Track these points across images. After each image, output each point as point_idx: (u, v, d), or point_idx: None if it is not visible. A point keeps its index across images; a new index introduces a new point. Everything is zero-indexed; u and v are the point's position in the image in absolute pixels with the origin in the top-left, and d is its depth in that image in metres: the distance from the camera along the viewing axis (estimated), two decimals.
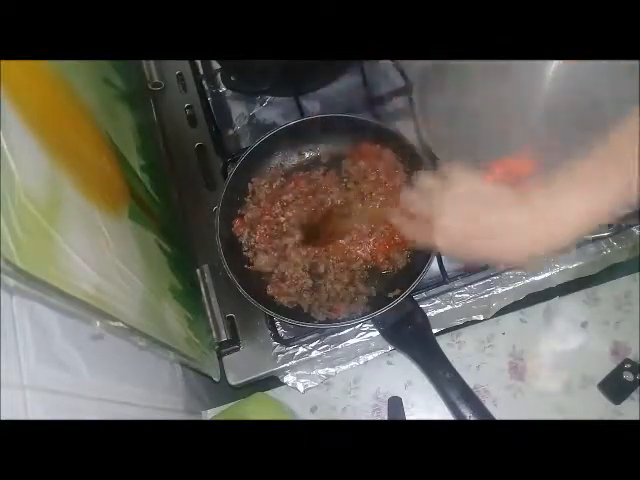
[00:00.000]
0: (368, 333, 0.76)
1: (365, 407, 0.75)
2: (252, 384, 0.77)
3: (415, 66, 0.80)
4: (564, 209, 0.47)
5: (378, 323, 0.74)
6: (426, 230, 0.53)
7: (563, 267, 0.75)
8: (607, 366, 0.71)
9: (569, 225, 0.47)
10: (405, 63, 0.84)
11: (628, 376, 0.70)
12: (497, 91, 0.74)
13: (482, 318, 0.75)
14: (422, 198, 0.56)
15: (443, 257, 0.76)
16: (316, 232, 0.77)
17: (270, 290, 0.75)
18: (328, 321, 0.73)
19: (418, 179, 0.57)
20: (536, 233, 0.48)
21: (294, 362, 0.76)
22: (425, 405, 0.73)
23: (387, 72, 0.87)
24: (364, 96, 0.86)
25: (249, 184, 0.80)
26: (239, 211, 0.79)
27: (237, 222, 0.78)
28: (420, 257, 0.72)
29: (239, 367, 0.77)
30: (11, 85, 0.39)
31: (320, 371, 0.75)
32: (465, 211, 0.51)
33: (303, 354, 0.76)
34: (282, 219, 0.78)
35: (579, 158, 0.47)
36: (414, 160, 0.75)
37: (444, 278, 0.75)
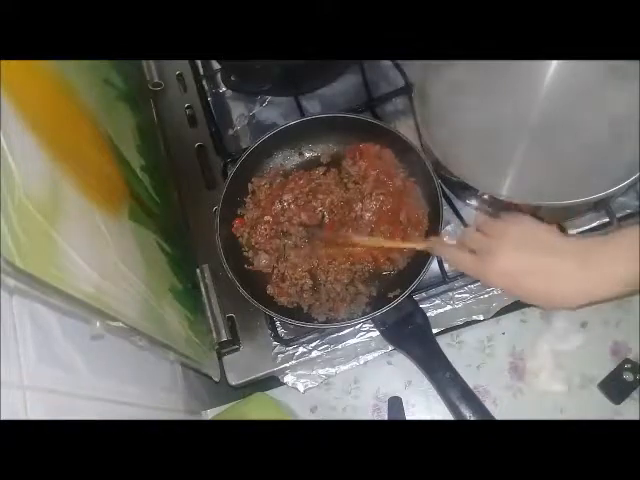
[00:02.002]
0: (368, 333, 0.76)
1: (365, 407, 0.75)
2: (252, 384, 0.77)
3: (415, 66, 0.80)
4: (614, 267, 0.50)
5: (378, 323, 0.74)
6: (481, 265, 0.57)
7: None
8: (607, 366, 0.71)
9: (615, 282, 0.50)
10: (405, 63, 0.84)
11: (628, 376, 0.70)
12: (497, 91, 0.74)
13: (482, 318, 0.75)
14: (481, 237, 0.59)
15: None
16: (317, 233, 0.77)
17: (270, 290, 0.75)
18: (328, 321, 0.73)
19: (477, 219, 0.63)
20: (586, 284, 0.51)
21: (294, 362, 0.76)
22: (425, 405, 0.73)
23: (387, 72, 0.87)
24: (364, 96, 0.86)
25: (249, 184, 0.80)
26: (239, 211, 0.80)
27: (237, 222, 0.78)
28: (420, 257, 0.72)
29: (239, 367, 0.77)
30: (11, 85, 0.39)
31: (320, 371, 0.75)
32: (523, 252, 0.55)
33: (303, 354, 0.76)
34: (282, 219, 0.78)
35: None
36: (414, 160, 0.75)
37: (444, 278, 0.75)
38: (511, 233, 0.57)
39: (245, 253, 0.78)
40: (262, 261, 0.76)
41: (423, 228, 0.75)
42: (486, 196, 0.75)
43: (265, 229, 0.77)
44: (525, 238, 0.56)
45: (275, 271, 0.76)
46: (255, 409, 0.68)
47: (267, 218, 0.78)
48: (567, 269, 0.52)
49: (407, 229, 0.75)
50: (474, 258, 0.58)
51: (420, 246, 0.70)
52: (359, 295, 0.74)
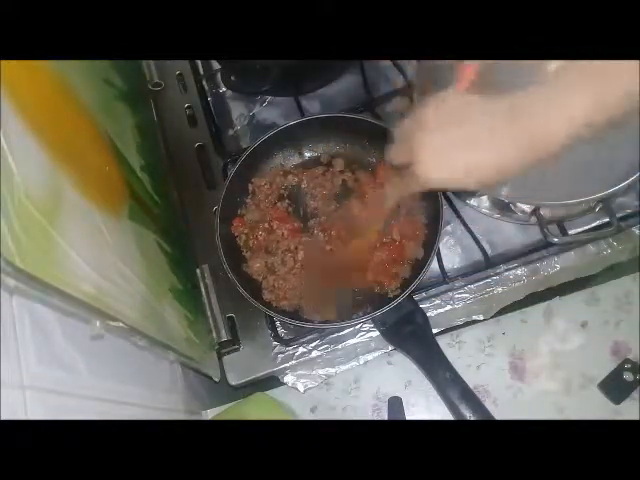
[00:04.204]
0: (368, 333, 0.76)
1: (365, 407, 0.75)
2: (252, 384, 0.77)
3: (415, 66, 0.80)
4: (544, 115, 0.46)
5: (378, 323, 0.74)
6: (409, 153, 0.52)
7: (563, 267, 0.75)
8: (607, 366, 0.71)
9: (548, 132, 0.46)
10: (405, 63, 0.84)
11: (628, 376, 0.70)
12: (497, 90, 0.74)
13: (482, 318, 0.75)
14: (401, 145, 0.54)
15: (443, 257, 0.76)
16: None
17: (266, 296, 0.75)
18: (328, 321, 0.73)
19: (395, 129, 0.56)
20: (515, 142, 0.47)
21: (294, 362, 0.76)
22: (425, 405, 0.73)
23: (387, 72, 0.87)
24: (364, 96, 0.86)
25: (249, 184, 0.80)
26: (239, 211, 0.80)
27: (236, 221, 0.78)
28: (419, 260, 0.73)
29: (239, 367, 0.77)
30: (11, 85, 0.39)
31: (320, 371, 0.75)
32: (445, 125, 0.50)
33: (303, 354, 0.76)
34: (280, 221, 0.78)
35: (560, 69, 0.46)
36: None
37: (444, 278, 0.75)
38: (424, 120, 0.51)
39: (243, 253, 0.78)
40: (256, 265, 0.76)
41: (420, 239, 0.75)
42: (486, 196, 0.76)
43: (261, 234, 0.77)
44: (440, 117, 0.50)
45: (265, 281, 0.76)
46: (255, 409, 0.68)
47: (266, 219, 0.78)
48: (501, 129, 0.47)
49: (403, 242, 0.75)
50: (411, 169, 0.52)
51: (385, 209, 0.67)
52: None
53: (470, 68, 0.53)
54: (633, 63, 0.43)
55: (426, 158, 0.50)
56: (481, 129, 0.48)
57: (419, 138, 0.51)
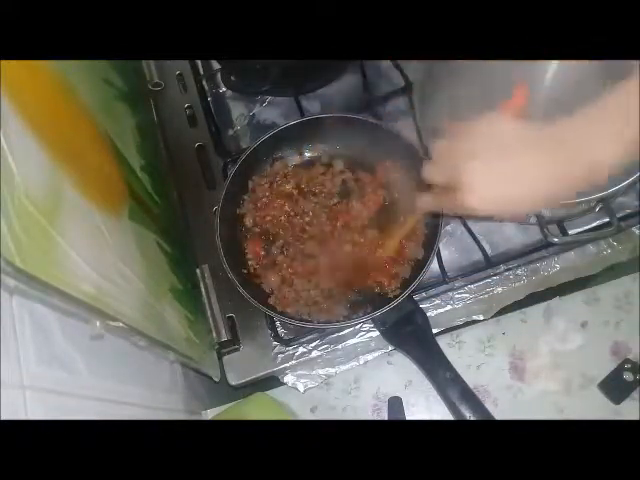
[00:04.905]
0: (368, 333, 0.76)
1: (365, 407, 0.75)
2: (252, 384, 0.77)
3: (415, 66, 0.80)
4: (592, 144, 0.44)
5: (378, 323, 0.74)
6: (453, 194, 0.49)
7: (563, 267, 0.75)
8: (607, 366, 0.71)
9: (597, 161, 0.44)
10: (405, 63, 0.84)
11: (628, 376, 0.70)
12: (497, 90, 0.74)
13: (482, 318, 0.75)
14: (441, 166, 0.52)
15: (443, 257, 0.76)
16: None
17: (271, 301, 0.75)
18: (328, 321, 0.73)
19: (431, 149, 0.53)
20: (563, 170, 0.45)
21: (294, 362, 0.76)
22: (425, 405, 0.73)
23: (387, 72, 0.87)
24: (364, 96, 0.86)
25: (249, 181, 0.80)
26: (238, 210, 0.79)
27: (250, 245, 0.78)
28: (419, 260, 0.73)
29: (239, 367, 0.77)
30: (11, 85, 0.39)
31: (320, 371, 0.75)
32: (492, 154, 0.47)
33: (303, 354, 0.76)
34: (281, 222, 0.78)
35: (607, 94, 0.44)
36: (414, 160, 0.75)
37: (444, 278, 0.75)
38: (468, 144, 0.49)
39: (254, 269, 0.78)
40: (272, 279, 0.76)
41: (420, 239, 0.75)
42: None
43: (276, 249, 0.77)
44: (486, 142, 0.48)
45: (277, 292, 0.76)
46: (255, 409, 0.68)
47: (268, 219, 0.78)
48: (547, 159, 0.45)
49: (403, 242, 0.75)
50: (450, 192, 0.50)
51: (410, 223, 0.67)
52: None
53: (520, 92, 0.51)
54: None
55: (471, 187, 0.48)
56: (528, 160, 0.46)
57: (463, 165, 0.48)
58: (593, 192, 0.66)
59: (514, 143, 0.47)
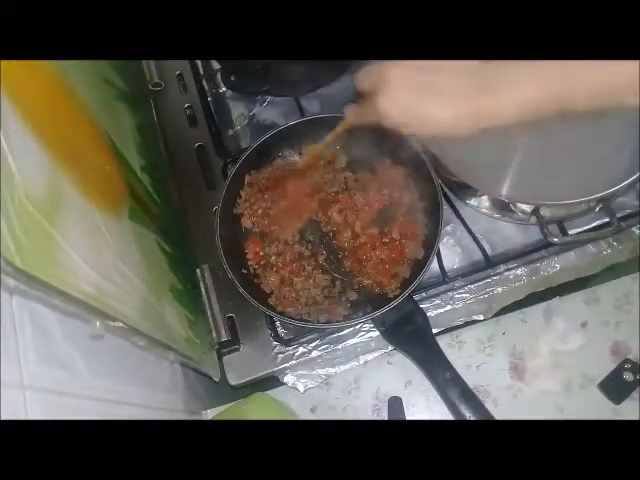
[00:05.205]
0: (368, 333, 0.76)
1: (365, 407, 0.75)
2: (252, 384, 0.77)
3: None
4: (504, 85, 0.47)
5: (378, 323, 0.74)
6: (373, 99, 0.51)
7: (563, 267, 0.75)
8: (607, 366, 0.71)
9: (508, 105, 0.47)
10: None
11: (628, 376, 0.70)
12: None
13: (482, 318, 0.75)
14: (370, 72, 0.54)
15: (443, 257, 0.76)
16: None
17: (271, 301, 0.75)
18: (328, 321, 0.73)
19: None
20: (478, 105, 0.47)
21: (294, 362, 0.76)
22: (425, 405, 0.73)
23: None
24: None
25: (246, 176, 0.80)
26: (235, 210, 0.79)
27: (250, 245, 0.78)
28: (419, 260, 0.72)
29: (239, 367, 0.77)
30: (11, 85, 0.39)
31: (320, 371, 0.75)
32: (413, 71, 0.50)
33: (303, 354, 0.76)
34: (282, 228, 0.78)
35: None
36: (414, 160, 0.75)
37: (444, 278, 0.75)
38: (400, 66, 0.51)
39: (253, 269, 0.78)
40: (270, 279, 0.76)
41: (420, 239, 0.75)
42: (486, 196, 0.76)
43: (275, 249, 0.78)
44: (419, 63, 0.50)
45: (277, 292, 0.76)
46: (255, 409, 0.68)
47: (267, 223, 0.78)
48: (462, 85, 0.48)
49: (403, 242, 0.75)
50: (372, 98, 0.52)
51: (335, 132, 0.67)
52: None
53: None
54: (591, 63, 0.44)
55: (387, 92, 0.51)
56: (444, 81, 0.49)
57: (389, 71, 0.51)
58: (593, 192, 0.66)
59: (437, 64, 0.50)
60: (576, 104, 0.46)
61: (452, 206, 0.78)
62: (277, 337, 0.77)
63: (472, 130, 0.49)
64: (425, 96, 0.49)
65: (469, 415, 0.67)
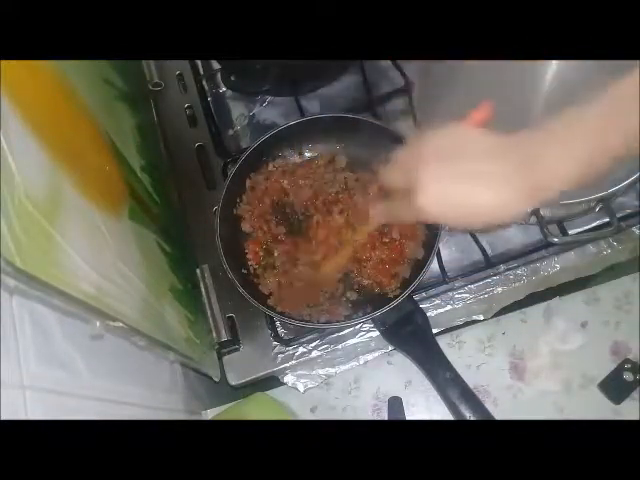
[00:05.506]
0: (368, 333, 0.76)
1: (365, 407, 0.75)
2: (252, 384, 0.77)
3: (415, 66, 0.80)
4: (551, 158, 0.44)
5: (378, 323, 0.74)
6: (411, 199, 0.49)
7: (563, 267, 0.75)
8: (607, 366, 0.71)
9: (554, 176, 0.45)
10: (405, 63, 0.84)
11: (628, 376, 0.70)
12: (497, 90, 0.74)
13: (482, 318, 0.75)
14: (399, 170, 0.52)
15: (443, 257, 0.76)
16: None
17: (271, 302, 0.75)
18: (328, 321, 0.73)
19: (394, 153, 0.53)
20: (520, 183, 0.45)
21: (294, 362, 0.76)
22: (425, 405, 0.73)
23: (387, 72, 0.87)
24: (364, 96, 0.86)
25: (247, 180, 0.80)
26: (235, 211, 0.80)
27: (250, 245, 0.78)
28: (419, 260, 0.72)
29: (239, 367, 0.77)
30: (11, 85, 0.39)
31: (320, 371, 0.75)
32: (449, 159, 0.47)
33: (303, 354, 0.76)
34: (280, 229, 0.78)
35: (573, 112, 0.45)
36: None
37: (444, 278, 0.75)
38: (425, 149, 0.49)
39: (253, 270, 0.77)
40: (268, 280, 0.76)
41: (420, 239, 0.75)
42: None
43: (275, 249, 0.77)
44: (443, 148, 0.48)
45: (276, 293, 0.76)
46: (255, 409, 0.68)
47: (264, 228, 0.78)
48: (505, 172, 0.45)
49: (403, 242, 0.75)
50: (406, 197, 0.49)
51: (372, 226, 0.66)
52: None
53: (485, 106, 0.51)
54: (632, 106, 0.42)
55: (426, 191, 0.48)
56: (485, 168, 0.46)
57: (421, 168, 0.48)
58: (593, 192, 0.66)
59: (472, 150, 0.47)
60: (628, 148, 0.44)
61: None
62: (277, 337, 0.77)
63: (522, 208, 0.46)
64: (464, 189, 0.47)
65: (469, 415, 0.67)
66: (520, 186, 0.45)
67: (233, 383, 0.76)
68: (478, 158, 0.47)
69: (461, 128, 0.49)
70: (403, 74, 0.84)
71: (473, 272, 0.76)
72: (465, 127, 0.49)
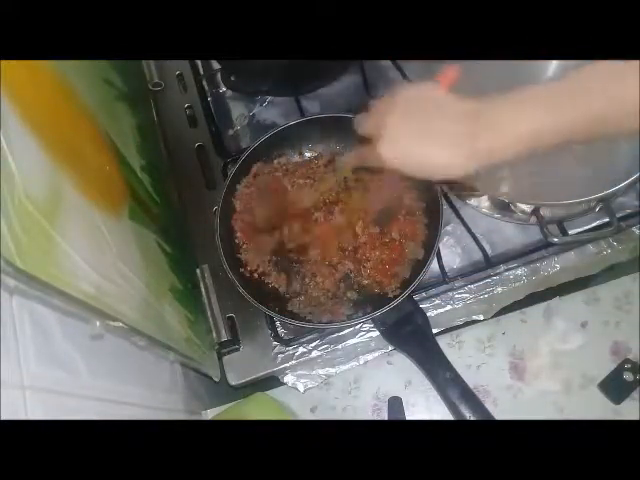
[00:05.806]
0: (368, 333, 0.76)
1: (365, 407, 0.75)
2: (252, 384, 0.77)
3: (415, 66, 0.80)
4: (504, 125, 0.48)
5: (378, 323, 0.74)
6: (374, 145, 0.53)
7: (563, 267, 0.75)
8: (607, 366, 0.71)
9: (504, 141, 0.48)
10: (405, 63, 0.84)
11: (628, 376, 0.70)
12: (497, 91, 0.74)
13: (482, 318, 0.75)
14: (369, 118, 0.56)
15: (443, 257, 0.76)
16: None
17: (271, 301, 0.75)
18: (330, 321, 0.73)
19: (370, 103, 0.57)
20: (476, 145, 0.49)
21: (294, 362, 0.76)
22: (425, 405, 0.73)
23: (387, 72, 0.87)
24: (364, 96, 0.86)
25: (253, 166, 0.80)
26: (236, 209, 0.80)
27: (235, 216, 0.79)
28: (419, 260, 0.72)
29: (239, 367, 0.77)
30: (11, 85, 0.39)
31: (320, 371, 0.75)
32: (413, 113, 0.52)
33: (303, 354, 0.76)
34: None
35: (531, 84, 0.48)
36: None
37: (444, 278, 0.75)
38: (397, 103, 0.53)
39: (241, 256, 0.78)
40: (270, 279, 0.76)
41: (420, 239, 0.75)
42: (486, 196, 0.76)
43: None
44: (412, 104, 0.53)
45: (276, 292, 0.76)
46: (255, 409, 0.68)
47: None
48: (459, 130, 0.49)
49: (403, 242, 0.75)
50: (373, 143, 0.54)
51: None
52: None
53: (455, 68, 0.56)
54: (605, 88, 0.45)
55: (387, 138, 0.52)
56: (444, 127, 0.50)
57: (387, 118, 0.53)
58: (593, 192, 0.66)
59: (435, 108, 0.51)
60: (576, 133, 0.47)
61: (452, 206, 0.78)
62: (277, 337, 0.77)
63: (470, 169, 0.50)
64: (423, 142, 0.51)
65: (469, 415, 0.67)
66: (472, 146, 0.49)
67: (233, 383, 0.76)
68: (436, 114, 0.51)
69: (430, 87, 0.54)
70: (403, 74, 0.84)
71: (473, 272, 0.76)
72: (434, 87, 0.53)
